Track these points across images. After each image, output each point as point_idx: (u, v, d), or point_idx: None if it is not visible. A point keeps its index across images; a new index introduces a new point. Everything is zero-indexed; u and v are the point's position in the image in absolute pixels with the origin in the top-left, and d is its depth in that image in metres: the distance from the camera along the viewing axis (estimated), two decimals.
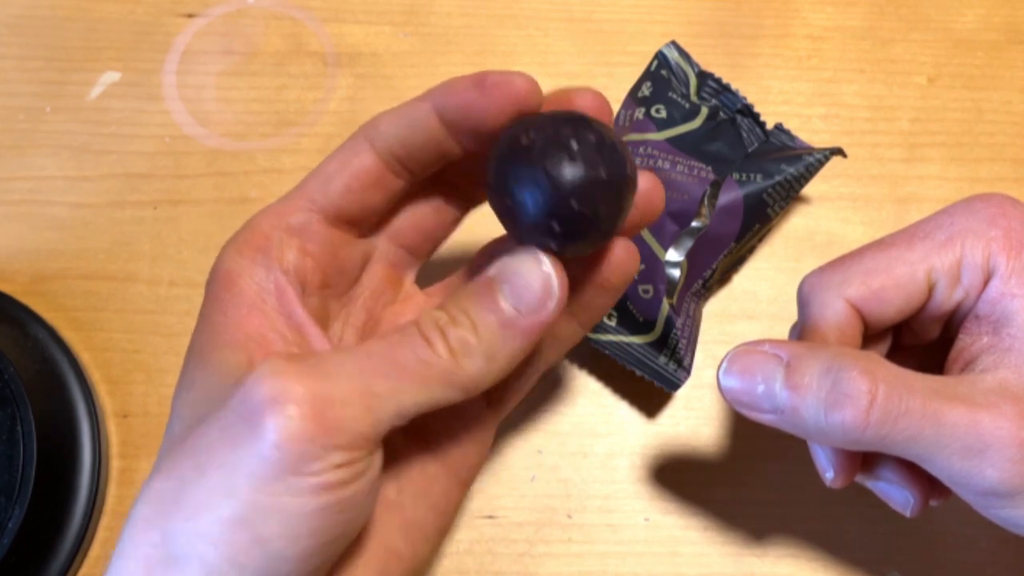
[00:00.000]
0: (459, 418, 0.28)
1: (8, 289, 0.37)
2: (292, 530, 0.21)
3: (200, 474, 0.22)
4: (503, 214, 0.24)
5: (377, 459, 0.23)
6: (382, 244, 0.28)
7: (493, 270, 0.24)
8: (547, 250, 0.24)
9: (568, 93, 0.25)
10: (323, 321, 0.27)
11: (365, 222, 0.27)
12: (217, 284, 0.26)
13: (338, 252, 0.27)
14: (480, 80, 0.24)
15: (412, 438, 0.28)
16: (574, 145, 0.23)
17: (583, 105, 0.25)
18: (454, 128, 0.25)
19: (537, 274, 0.23)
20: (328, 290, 0.27)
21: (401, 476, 0.27)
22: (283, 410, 0.21)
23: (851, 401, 0.24)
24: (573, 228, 0.23)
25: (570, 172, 0.22)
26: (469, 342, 0.23)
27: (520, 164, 0.23)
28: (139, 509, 0.22)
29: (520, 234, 0.24)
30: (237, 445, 0.22)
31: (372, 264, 0.28)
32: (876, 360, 0.25)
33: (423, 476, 0.27)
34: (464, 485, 0.28)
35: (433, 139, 0.25)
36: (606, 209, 0.23)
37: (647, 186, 0.26)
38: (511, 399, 0.29)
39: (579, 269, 0.26)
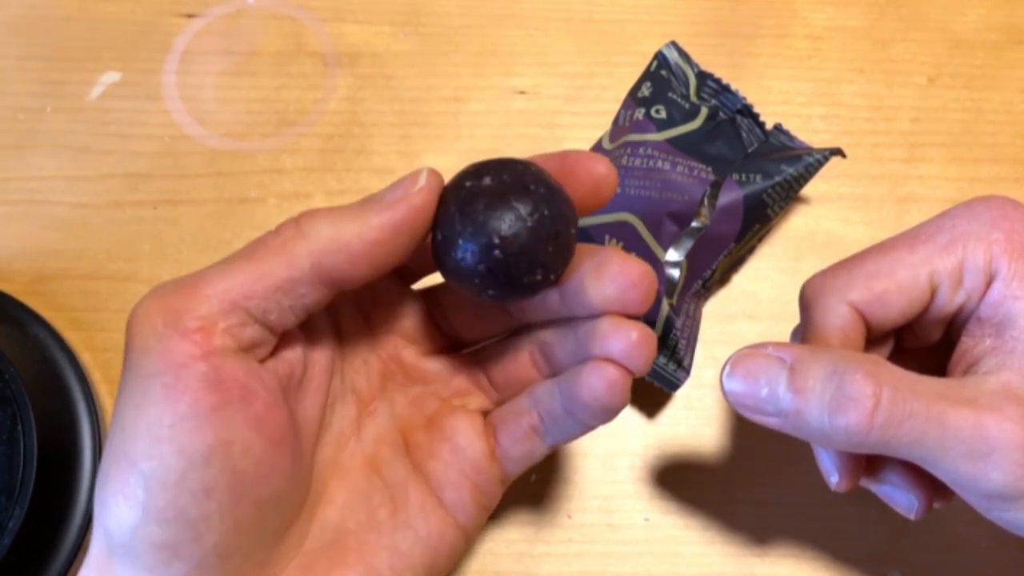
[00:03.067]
0: (460, 465, 0.28)
1: (8, 289, 0.37)
2: (156, 447, 0.22)
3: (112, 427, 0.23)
4: (444, 270, 0.25)
5: (226, 368, 0.23)
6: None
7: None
8: (482, 295, 0.25)
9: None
10: None
11: None
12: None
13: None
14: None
15: (413, 472, 0.28)
16: (505, 203, 0.23)
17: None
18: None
19: (411, 175, 0.24)
20: None
21: (397, 502, 0.27)
22: (138, 311, 0.23)
23: (855, 404, 0.24)
24: (500, 280, 0.24)
25: (496, 228, 0.23)
26: (321, 212, 0.24)
27: (457, 220, 0.24)
28: None
29: (458, 284, 0.25)
30: (123, 378, 0.23)
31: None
32: (880, 363, 0.25)
33: (419, 509, 0.27)
34: (463, 532, 0.28)
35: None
36: (537, 260, 0.24)
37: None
38: (516, 468, 0.29)
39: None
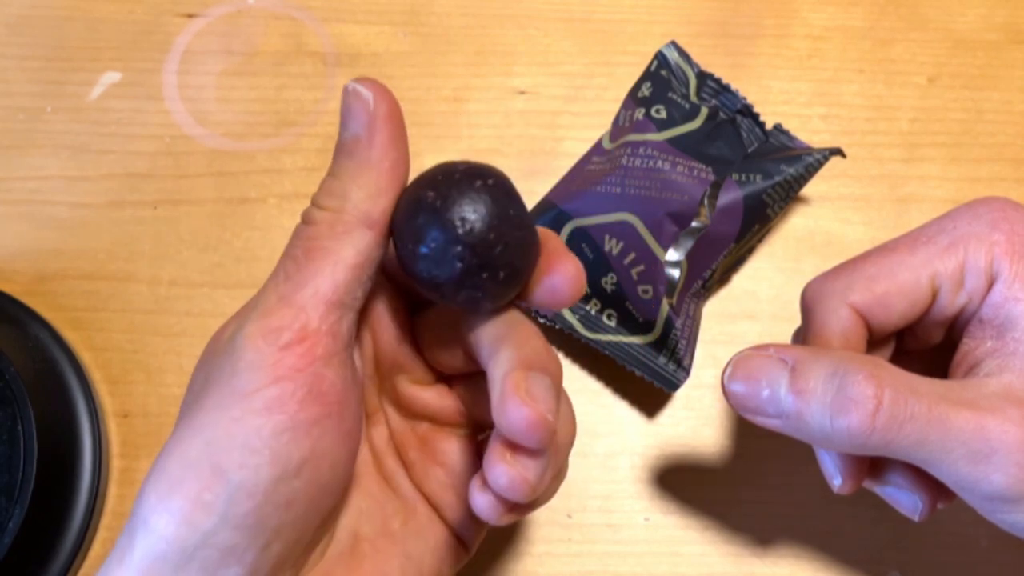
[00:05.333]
0: (457, 489, 0.28)
1: (8, 289, 0.37)
2: (251, 457, 0.22)
3: (180, 429, 0.23)
4: (406, 268, 0.25)
5: (327, 379, 0.23)
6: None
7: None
8: (447, 300, 0.24)
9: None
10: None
11: None
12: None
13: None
14: None
15: (416, 488, 0.28)
16: (471, 202, 0.23)
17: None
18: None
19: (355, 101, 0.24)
20: None
21: (408, 512, 0.28)
22: (241, 335, 0.23)
23: (856, 406, 0.24)
24: (467, 276, 0.23)
25: (463, 224, 0.23)
26: (332, 185, 0.24)
27: (421, 219, 0.23)
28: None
29: (418, 282, 0.24)
30: (210, 391, 0.23)
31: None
32: (881, 365, 0.25)
33: (427, 520, 0.28)
34: (466, 547, 0.28)
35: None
36: (496, 261, 0.23)
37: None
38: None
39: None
